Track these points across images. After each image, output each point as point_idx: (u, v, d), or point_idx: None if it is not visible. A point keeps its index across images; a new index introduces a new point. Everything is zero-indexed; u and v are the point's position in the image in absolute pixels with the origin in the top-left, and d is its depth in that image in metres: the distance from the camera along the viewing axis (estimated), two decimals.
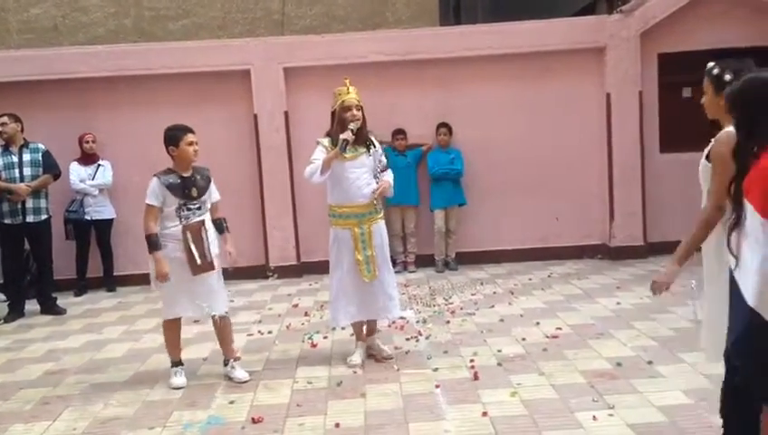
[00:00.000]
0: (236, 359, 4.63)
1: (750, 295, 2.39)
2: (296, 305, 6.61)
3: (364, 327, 4.83)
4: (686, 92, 7.87)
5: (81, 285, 7.71)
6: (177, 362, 4.59)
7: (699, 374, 4.07)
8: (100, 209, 7.64)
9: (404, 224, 7.88)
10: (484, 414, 3.75)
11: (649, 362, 4.38)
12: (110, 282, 7.82)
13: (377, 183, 4.65)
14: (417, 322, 5.58)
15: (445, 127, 7.77)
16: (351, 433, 3.64)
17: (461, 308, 6.10)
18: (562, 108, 7.94)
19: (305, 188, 8.00)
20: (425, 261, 7.97)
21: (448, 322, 5.67)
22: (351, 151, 4.57)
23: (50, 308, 6.86)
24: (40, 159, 6.71)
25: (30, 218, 6.61)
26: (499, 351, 4.82)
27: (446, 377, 4.37)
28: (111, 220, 7.76)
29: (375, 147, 4.70)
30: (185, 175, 4.43)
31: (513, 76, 7.96)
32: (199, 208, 4.46)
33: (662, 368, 4.28)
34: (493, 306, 6.10)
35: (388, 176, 4.75)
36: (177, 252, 4.38)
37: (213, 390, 4.40)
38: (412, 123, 7.88)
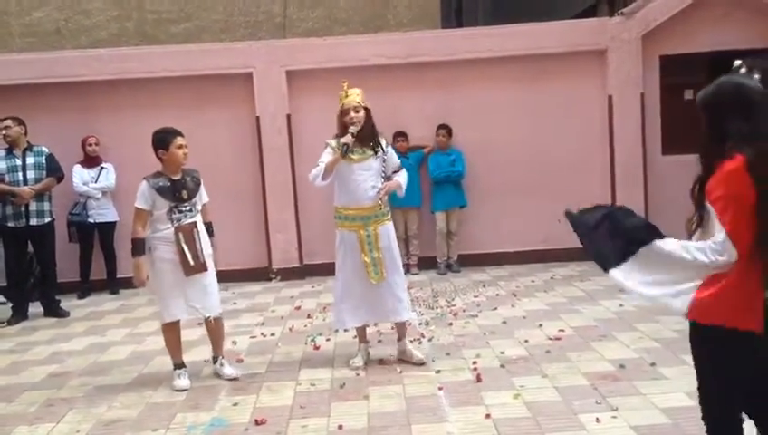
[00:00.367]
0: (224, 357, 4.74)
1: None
2: (299, 308, 6.62)
3: (367, 329, 4.83)
4: (688, 94, 7.87)
5: (84, 288, 7.72)
6: (179, 365, 4.60)
7: None
8: (103, 212, 7.65)
9: (406, 226, 7.89)
10: (487, 416, 3.76)
11: (652, 364, 4.39)
12: (113, 284, 7.84)
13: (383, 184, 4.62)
14: (420, 324, 5.59)
15: (444, 128, 7.77)
16: None
17: (463, 310, 6.10)
18: (564, 110, 7.95)
19: (308, 191, 8.02)
20: (427, 263, 7.98)
21: (451, 324, 5.68)
22: (359, 153, 4.55)
23: (53, 311, 6.88)
24: (43, 162, 6.73)
25: (33, 221, 6.62)
26: (502, 353, 4.83)
27: (448, 379, 4.37)
28: (114, 223, 7.77)
29: (384, 148, 4.65)
30: (174, 178, 4.46)
31: (514, 78, 7.97)
32: (190, 210, 4.49)
33: (665, 370, 4.28)
34: (495, 308, 6.11)
35: (401, 176, 4.72)
36: (171, 254, 4.40)
37: (216, 392, 4.41)
38: (413, 125, 7.89)
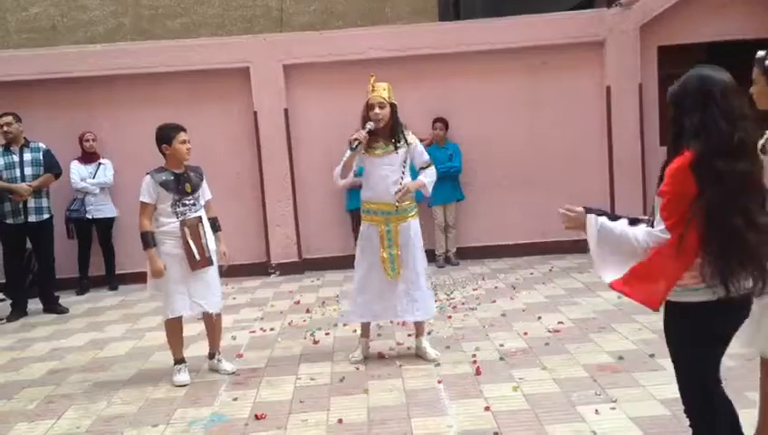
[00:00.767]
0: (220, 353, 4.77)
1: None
2: (298, 302, 6.62)
3: (372, 325, 4.84)
4: None
5: (83, 284, 7.72)
6: (180, 360, 4.60)
7: None
8: (101, 208, 7.64)
9: None
10: (487, 409, 3.76)
11: (651, 356, 4.39)
12: (111, 280, 7.84)
13: (405, 177, 4.55)
14: None
15: (440, 122, 7.73)
16: (354, 429, 3.65)
17: (463, 303, 6.11)
18: (562, 102, 7.93)
19: (306, 185, 8.03)
20: (426, 257, 7.95)
21: (450, 317, 5.68)
22: (382, 148, 4.51)
23: (52, 307, 6.88)
24: (41, 158, 6.72)
25: (32, 218, 6.62)
26: (501, 345, 4.83)
27: (448, 372, 4.38)
28: (113, 219, 7.77)
29: (408, 143, 4.58)
30: (177, 172, 4.47)
31: (512, 71, 7.95)
32: (194, 204, 4.51)
33: (664, 361, 4.27)
34: (494, 301, 6.11)
35: (428, 174, 4.66)
36: (177, 248, 4.41)
37: (216, 387, 4.42)
38: (411, 119, 7.80)
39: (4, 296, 7.00)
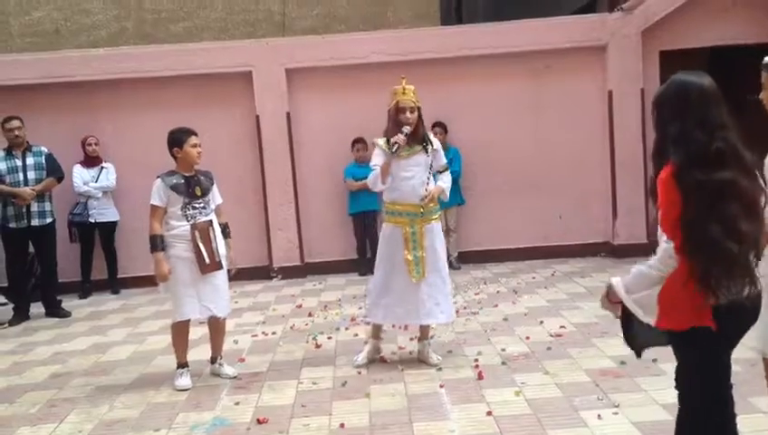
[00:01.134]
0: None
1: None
2: (300, 306, 6.62)
3: (384, 328, 4.84)
4: None
5: (85, 288, 7.73)
6: (183, 364, 4.60)
7: None
8: (103, 212, 7.65)
9: None
10: (489, 414, 3.76)
11: (654, 360, 4.37)
12: (114, 284, 7.85)
13: (431, 183, 4.58)
14: None
15: (439, 126, 7.67)
16: (356, 433, 3.65)
17: (465, 307, 6.10)
18: (564, 106, 7.94)
19: (308, 189, 8.05)
20: None
21: (452, 321, 5.66)
22: (407, 150, 4.51)
23: (55, 311, 6.88)
24: (43, 162, 6.74)
25: (35, 222, 6.63)
26: (503, 350, 4.83)
27: (450, 377, 4.37)
28: (115, 223, 7.78)
29: (433, 145, 4.61)
30: (188, 175, 4.49)
31: (514, 75, 7.96)
32: (204, 208, 4.52)
33: (666, 366, 4.24)
34: (496, 305, 6.11)
35: (445, 179, 4.69)
36: (187, 252, 4.42)
37: (218, 391, 4.42)
38: None
39: (6, 300, 7.01)
